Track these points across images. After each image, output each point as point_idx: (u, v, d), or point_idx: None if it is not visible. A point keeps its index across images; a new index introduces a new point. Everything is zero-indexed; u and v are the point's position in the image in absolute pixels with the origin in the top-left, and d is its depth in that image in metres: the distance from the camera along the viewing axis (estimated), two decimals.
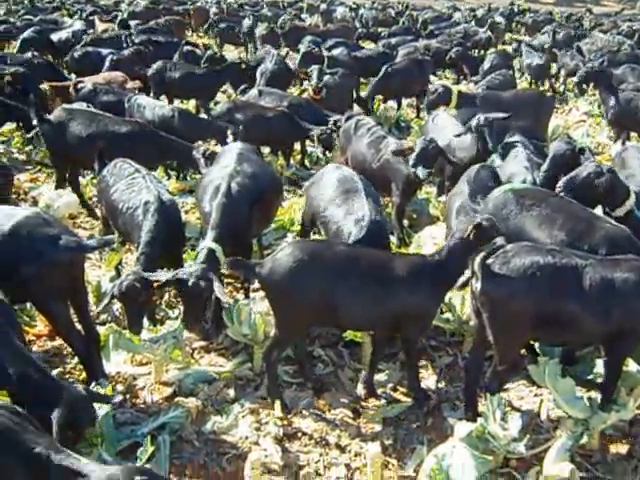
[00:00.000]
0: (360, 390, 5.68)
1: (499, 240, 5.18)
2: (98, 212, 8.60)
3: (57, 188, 9.13)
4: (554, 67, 17.94)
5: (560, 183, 6.30)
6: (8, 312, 4.60)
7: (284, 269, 5.08)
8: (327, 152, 10.75)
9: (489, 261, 4.94)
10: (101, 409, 4.63)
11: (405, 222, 8.46)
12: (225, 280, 7.06)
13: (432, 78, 15.92)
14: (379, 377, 5.84)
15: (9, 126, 12.02)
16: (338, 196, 6.42)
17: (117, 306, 6.75)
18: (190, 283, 5.57)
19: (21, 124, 11.60)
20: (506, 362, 5.11)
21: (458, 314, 6.19)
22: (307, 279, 5.06)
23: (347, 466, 4.96)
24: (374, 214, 6.05)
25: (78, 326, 5.51)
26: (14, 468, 3.54)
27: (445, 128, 8.90)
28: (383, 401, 5.63)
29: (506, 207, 6.11)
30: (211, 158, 7.94)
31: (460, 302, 6.17)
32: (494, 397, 4.96)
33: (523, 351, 5.82)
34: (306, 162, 11.20)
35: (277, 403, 5.39)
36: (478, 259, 4.95)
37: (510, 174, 7.24)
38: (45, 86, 11.88)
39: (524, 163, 7.34)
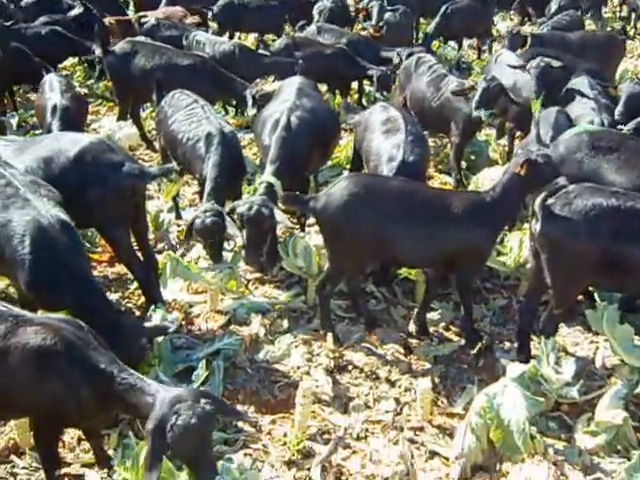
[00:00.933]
0: (412, 327, 5.69)
1: (561, 180, 5.05)
2: (157, 145, 8.68)
3: (119, 120, 9.27)
4: (625, 9, 17.17)
5: (631, 124, 6.07)
6: (74, 236, 4.70)
7: (338, 203, 5.06)
8: (385, 92, 10.55)
9: (550, 202, 4.83)
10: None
11: (463, 164, 8.31)
12: None
13: (495, 19, 15.40)
14: (431, 316, 5.84)
15: (71, 60, 12.12)
16: (379, 135, 6.34)
17: (173, 235, 6.88)
18: (252, 213, 5.63)
19: (83, 58, 11.70)
20: (563, 306, 5.04)
21: (514, 257, 6.10)
22: (361, 213, 5.03)
23: (396, 400, 5.01)
24: (408, 155, 5.94)
25: (138, 253, 5.63)
26: (78, 384, 3.61)
27: (509, 68, 8.61)
28: (435, 340, 5.65)
29: (580, 150, 5.88)
30: (263, 99, 7.91)
31: (517, 244, 6.07)
32: (548, 341, 4.92)
33: (580, 297, 5.73)
34: (363, 101, 11.03)
35: (329, 336, 5.45)
36: (538, 199, 4.85)
37: (576, 116, 7.00)
38: (108, 20, 11.92)
39: (591, 104, 7.08)
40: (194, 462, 3.38)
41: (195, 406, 3.32)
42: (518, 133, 8.39)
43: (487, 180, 7.46)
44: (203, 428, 3.32)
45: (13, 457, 4.46)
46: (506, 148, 8.69)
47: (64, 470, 4.27)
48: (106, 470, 4.30)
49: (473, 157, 8.80)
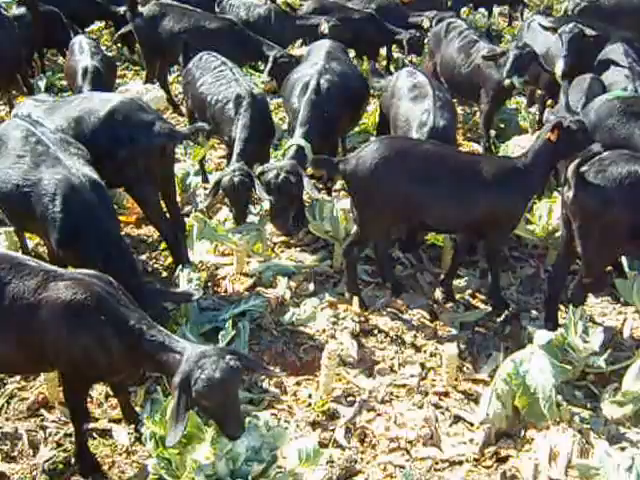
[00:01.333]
0: (438, 294, 5.67)
1: (595, 147, 4.96)
2: (183, 109, 8.67)
3: (146, 82, 9.26)
4: None
5: None
6: (104, 195, 4.72)
7: (369, 165, 5.02)
8: (415, 56, 10.41)
9: (583, 169, 4.75)
10: None
11: (492, 132, 8.21)
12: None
13: None
14: (458, 283, 5.81)
15: (98, 24, 12.09)
16: (407, 101, 6.25)
17: (200, 198, 6.89)
18: (280, 180, 5.61)
19: (110, 22, 11.67)
20: (593, 275, 4.98)
21: (543, 225, 6.04)
22: (391, 176, 4.98)
23: (422, 365, 5.00)
24: (438, 121, 5.86)
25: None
26: (108, 339, 3.64)
27: (541, 34, 8.44)
28: (461, 306, 5.62)
29: (612, 116, 5.79)
30: (283, 67, 7.84)
31: (546, 213, 6.01)
32: (577, 310, 4.86)
33: (609, 267, 5.66)
34: (391, 68, 10.90)
35: (355, 299, 5.45)
36: (572, 166, 4.77)
37: (610, 83, 6.86)
38: None
39: (625, 72, 6.93)
40: (220, 417, 3.40)
41: (220, 361, 3.35)
42: (549, 101, 8.25)
43: (516, 148, 7.37)
44: (227, 382, 3.33)
45: (43, 411, 4.53)
46: (536, 116, 8.56)
47: (92, 425, 4.34)
48: (133, 425, 4.37)
49: (502, 125, 8.70)
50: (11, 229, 5.72)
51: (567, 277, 5.44)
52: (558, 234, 5.88)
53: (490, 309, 5.55)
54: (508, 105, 8.77)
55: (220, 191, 5.87)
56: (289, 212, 5.94)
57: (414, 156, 5.08)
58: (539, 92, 8.63)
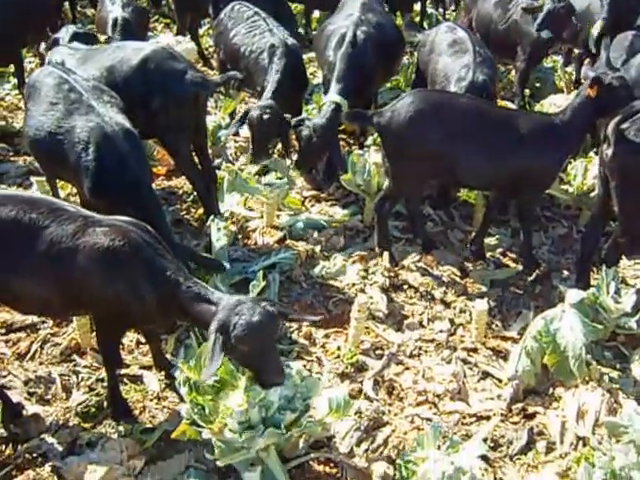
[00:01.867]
0: (469, 252, 5.62)
1: (637, 104, 4.83)
2: (214, 62, 8.61)
3: (177, 35, 9.18)
4: None
5: None
6: (137, 143, 4.71)
7: (403, 118, 4.95)
8: (448, 12, 10.19)
9: (624, 126, 4.64)
10: (219, 241, 4.77)
11: (527, 91, 8.05)
12: (339, 135, 7.02)
13: None
14: (489, 241, 5.77)
15: None
16: (446, 56, 6.14)
17: (231, 151, 6.87)
18: (313, 137, 5.57)
19: None
20: (629, 234, 4.90)
21: (578, 184, 5.95)
22: (427, 130, 4.92)
23: (451, 321, 5.00)
24: (477, 76, 5.74)
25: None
26: (144, 286, 3.65)
27: None
28: (491, 264, 5.59)
29: None
30: None
31: (582, 172, 5.91)
32: (609, 270, 4.81)
33: None
34: (425, 24, 10.69)
35: (385, 254, 5.43)
36: (612, 123, 4.67)
37: None
38: None
39: None
40: (258, 363, 3.39)
41: (256, 306, 3.36)
42: (587, 60, 8.05)
43: (551, 108, 7.23)
44: (265, 326, 3.33)
45: (75, 356, 4.60)
46: (573, 76, 8.38)
47: (123, 371, 4.40)
48: (163, 372, 4.43)
49: (538, 84, 8.53)
50: (43, 178, 5.76)
51: (600, 238, 5.38)
52: (593, 194, 5.81)
53: (521, 268, 5.51)
54: (544, 64, 8.58)
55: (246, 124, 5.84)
56: (316, 163, 5.97)
57: (450, 109, 5.01)
58: (576, 51, 8.42)
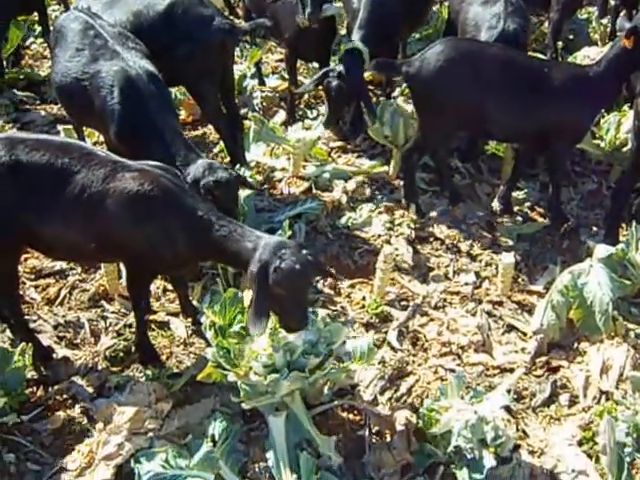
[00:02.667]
0: (496, 205, 5.57)
1: None
2: (239, 11, 8.49)
3: None
4: None
5: None
6: (163, 87, 4.68)
7: (433, 67, 4.88)
8: None
9: None
10: (245, 191, 4.76)
11: (559, 43, 7.85)
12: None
13: None
14: (517, 195, 5.70)
15: None
16: (477, 5, 5.92)
17: (257, 101, 6.82)
18: (334, 83, 5.49)
19: None
20: None
21: (610, 139, 5.84)
22: (457, 79, 4.84)
23: (477, 274, 4.98)
24: (508, 25, 5.59)
25: None
26: (174, 229, 3.65)
27: None
28: (519, 218, 5.53)
29: None
30: None
31: (614, 127, 5.79)
32: (639, 227, 4.75)
33: None
34: None
35: (412, 206, 5.40)
36: None
37: None
38: None
39: None
40: (289, 308, 3.39)
41: (299, 253, 3.35)
42: (623, 12, 7.82)
43: (585, 60, 7.05)
44: (305, 274, 3.35)
45: (103, 302, 4.67)
46: (608, 28, 8.14)
47: (151, 317, 4.46)
48: (190, 319, 4.48)
49: (571, 36, 8.32)
50: (70, 126, 5.77)
51: (631, 194, 5.31)
52: (625, 149, 5.71)
53: (549, 222, 5.45)
54: (578, 15, 8.35)
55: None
56: (342, 115, 5.88)
57: (480, 59, 4.92)
58: (612, 2, 8.17)
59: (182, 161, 4.37)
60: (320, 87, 5.75)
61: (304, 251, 3.41)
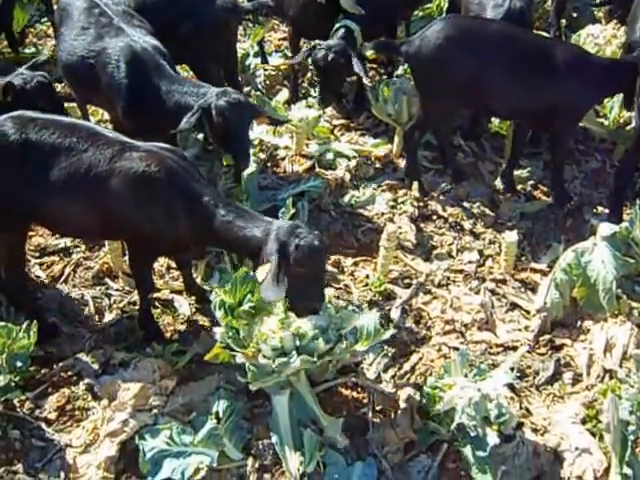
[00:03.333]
0: (499, 183, 5.56)
1: None
2: None
3: None
4: None
5: None
6: (168, 61, 4.63)
7: (433, 46, 4.83)
8: None
9: None
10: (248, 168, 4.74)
11: (563, 21, 7.78)
12: (369, 65, 6.89)
13: None
14: (520, 173, 5.68)
15: None
16: None
17: (259, 79, 6.78)
18: (329, 58, 5.45)
19: None
20: None
21: (614, 117, 5.80)
22: (457, 57, 4.80)
23: (480, 252, 4.98)
24: (514, 2, 5.49)
25: None
26: (178, 212, 3.65)
27: None
28: (522, 197, 5.52)
29: None
30: None
31: (618, 105, 5.75)
32: None
33: None
34: None
35: (415, 184, 5.39)
36: None
37: None
38: None
39: None
40: (303, 290, 3.43)
41: (314, 232, 3.44)
42: None
43: (588, 39, 7.00)
44: (324, 252, 3.45)
45: (107, 280, 4.68)
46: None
47: (155, 295, 4.45)
48: (194, 297, 4.49)
49: (575, 14, 8.23)
50: (75, 105, 5.73)
51: (635, 173, 5.29)
52: (629, 127, 5.68)
53: (552, 201, 5.44)
54: None
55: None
56: (338, 92, 5.87)
57: (482, 36, 4.87)
58: None
59: (195, 94, 4.39)
60: None
61: (316, 231, 3.48)
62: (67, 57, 4.79)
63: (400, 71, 6.52)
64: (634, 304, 4.50)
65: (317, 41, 5.68)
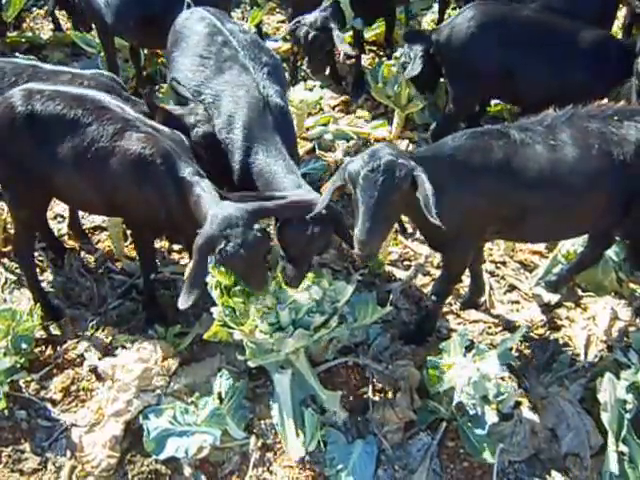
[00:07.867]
0: None
1: None
2: None
3: None
4: None
5: None
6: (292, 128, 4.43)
7: (464, 35, 4.79)
8: None
9: None
10: None
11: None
12: (367, 47, 6.89)
13: None
14: None
15: None
16: None
17: None
18: (310, 36, 5.45)
19: None
20: None
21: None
22: (489, 45, 4.75)
23: None
24: None
25: None
26: (167, 195, 3.65)
27: None
28: None
29: None
30: None
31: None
32: None
33: None
34: None
35: None
36: None
37: None
38: None
39: None
40: (244, 276, 3.48)
41: (246, 233, 3.30)
42: None
43: None
44: (251, 256, 3.33)
45: (109, 263, 4.71)
46: None
47: (158, 276, 4.47)
48: None
49: None
50: None
51: None
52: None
53: None
54: None
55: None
56: (325, 66, 5.93)
57: (513, 22, 4.82)
58: None
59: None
60: None
61: (256, 226, 3.35)
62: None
63: (398, 53, 6.51)
64: (633, 285, 4.52)
65: (299, 17, 5.68)
